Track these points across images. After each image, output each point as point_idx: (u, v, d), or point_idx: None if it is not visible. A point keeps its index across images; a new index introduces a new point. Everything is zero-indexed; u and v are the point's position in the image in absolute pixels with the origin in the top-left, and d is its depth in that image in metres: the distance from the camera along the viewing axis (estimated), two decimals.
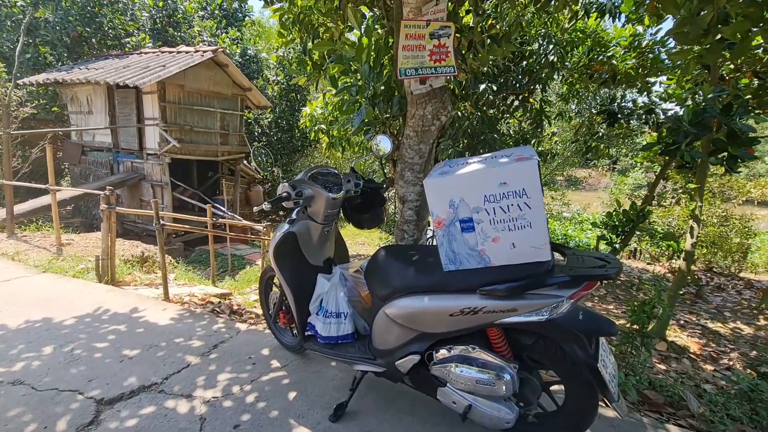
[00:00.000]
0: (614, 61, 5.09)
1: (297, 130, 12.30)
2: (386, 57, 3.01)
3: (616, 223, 6.26)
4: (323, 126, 7.59)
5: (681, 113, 3.14)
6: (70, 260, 4.16)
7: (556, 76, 7.74)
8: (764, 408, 2.08)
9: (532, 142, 7.94)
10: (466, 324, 1.50)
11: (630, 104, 5.82)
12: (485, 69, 4.60)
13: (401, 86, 2.80)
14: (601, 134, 6.90)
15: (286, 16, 4.67)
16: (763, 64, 3.70)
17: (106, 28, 9.10)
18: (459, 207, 1.42)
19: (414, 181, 2.94)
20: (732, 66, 4.00)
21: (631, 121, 5.95)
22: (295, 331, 2.43)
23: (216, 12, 12.03)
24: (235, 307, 3.92)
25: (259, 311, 4.34)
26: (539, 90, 7.39)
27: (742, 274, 8.01)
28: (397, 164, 3.00)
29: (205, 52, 7.42)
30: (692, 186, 6.69)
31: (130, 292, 3.48)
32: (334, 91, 7.48)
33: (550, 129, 8.85)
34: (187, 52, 7.63)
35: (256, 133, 11.57)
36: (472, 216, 1.41)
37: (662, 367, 3.38)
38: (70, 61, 8.68)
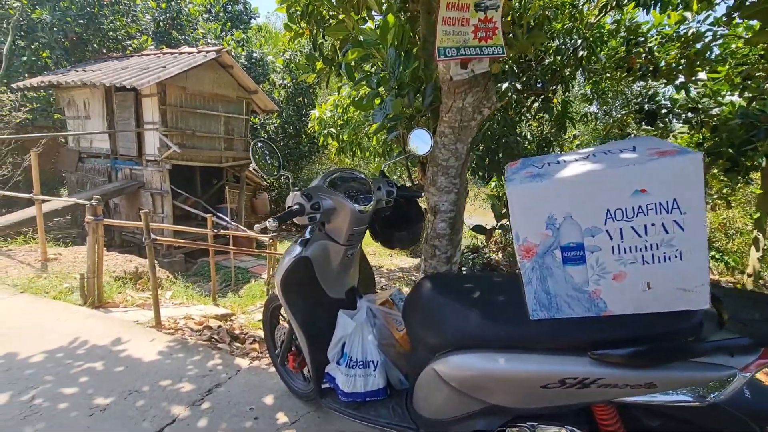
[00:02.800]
0: (656, 53, 4.60)
1: (305, 136, 11.90)
2: (410, 45, 2.56)
3: None
4: (333, 130, 7.16)
5: (745, 109, 2.65)
6: (54, 278, 3.73)
7: (579, 75, 7.25)
8: None
9: (554, 146, 7.45)
10: (566, 400, 1.01)
11: (668, 102, 5.32)
12: (506, 67, 4.16)
13: (431, 75, 2.33)
14: (632, 136, 6.38)
15: (293, 8, 4.27)
16: None
17: (106, 30, 8.79)
18: (563, 227, 0.94)
19: (449, 188, 2.45)
20: None
21: (671, 121, 5.45)
22: (307, 374, 1.96)
23: (221, 14, 11.74)
24: (237, 332, 3.46)
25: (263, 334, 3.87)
26: (561, 90, 6.92)
27: None
28: (428, 168, 2.52)
29: (208, 52, 7.05)
30: (725, 192, 6.10)
31: (114, 318, 3.03)
32: (344, 92, 7.06)
33: (571, 132, 8.35)
34: (189, 53, 7.27)
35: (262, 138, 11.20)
36: (584, 241, 0.93)
37: None
38: (68, 64, 8.37)
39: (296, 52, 11.73)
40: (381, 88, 2.46)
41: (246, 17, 12.10)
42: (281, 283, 1.45)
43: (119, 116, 7.09)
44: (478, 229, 2.71)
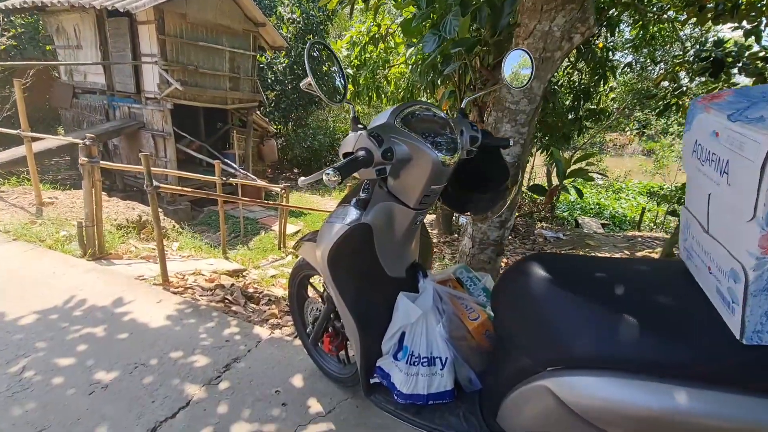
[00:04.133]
0: None
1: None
2: None
3: None
4: (349, 71, 6.49)
5: None
6: (50, 224, 3.40)
7: (626, 16, 6.41)
8: None
9: (594, 97, 6.74)
10: None
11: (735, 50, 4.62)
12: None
13: None
14: (685, 89, 5.71)
15: None
16: None
17: None
18: None
19: (514, 139, 1.99)
20: None
21: (738, 73, 4.78)
22: (344, 357, 1.65)
23: None
24: (251, 290, 3.18)
25: (279, 292, 3.60)
26: (604, 34, 6.15)
27: None
28: (489, 111, 2.05)
29: None
30: None
31: (117, 273, 2.72)
32: (363, 27, 6.26)
33: (610, 82, 7.56)
34: None
35: (269, 80, 10.35)
36: None
37: None
38: None
39: None
40: (436, 4, 1.92)
41: None
42: (330, 256, 1.07)
43: (114, 47, 6.39)
44: (537, 189, 2.29)
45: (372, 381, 1.29)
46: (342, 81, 0.95)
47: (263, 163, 9.11)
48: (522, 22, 1.70)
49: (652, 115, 13.28)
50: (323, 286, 1.37)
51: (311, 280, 1.73)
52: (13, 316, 2.02)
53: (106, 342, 1.90)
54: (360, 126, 0.92)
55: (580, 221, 10.31)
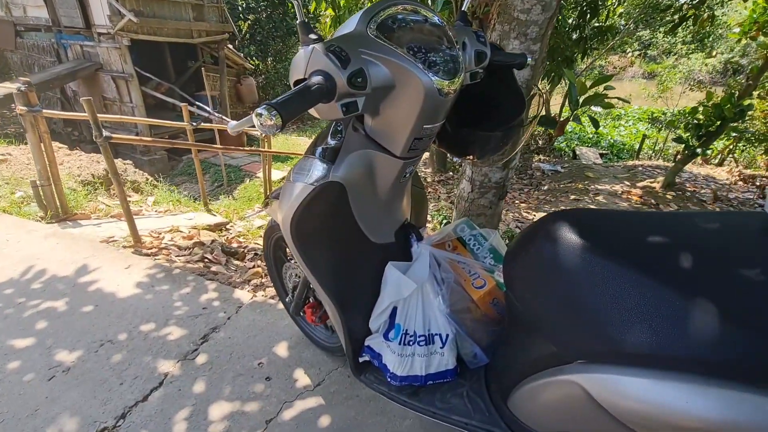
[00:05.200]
0: None
1: (291, 4, 9.91)
2: None
3: (700, 121, 4.97)
4: None
5: None
6: (4, 185, 3.07)
7: None
8: None
9: (602, 13, 6.09)
10: None
11: None
12: None
13: None
14: None
15: None
16: None
17: None
18: None
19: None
20: None
21: None
22: (331, 323, 1.47)
23: None
24: (235, 245, 2.98)
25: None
26: None
27: None
28: (492, 23, 1.67)
29: None
30: None
31: (81, 237, 2.47)
32: None
33: None
34: None
35: (239, 8, 9.23)
36: None
37: None
38: None
39: None
40: None
41: None
42: (293, 224, 0.82)
43: None
44: (546, 121, 1.99)
45: (361, 360, 1.11)
46: None
47: (242, 105, 8.44)
48: None
49: (659, 32, 12.32)
50: None
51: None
52: None
53: (67, 317, 1.71)
54: (313, 37, 0.61)
55: (577, 152, 10.01)
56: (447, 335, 1.00)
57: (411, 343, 1.00)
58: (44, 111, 2.70)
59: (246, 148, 4.79)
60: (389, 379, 1.03)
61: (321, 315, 1.31)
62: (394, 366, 1.01)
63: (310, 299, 1.31)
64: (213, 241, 2.86)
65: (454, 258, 1.05)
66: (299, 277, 1.40)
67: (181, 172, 5.90)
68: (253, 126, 0.54)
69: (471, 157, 1.03)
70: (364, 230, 0.89)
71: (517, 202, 4.93)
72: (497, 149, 0.98)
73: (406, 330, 0.99)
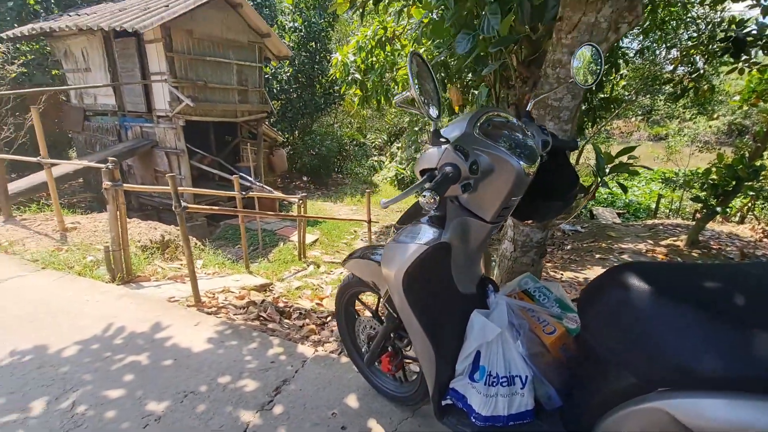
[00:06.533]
0: None
1: (319, 86, 11.03)
2: None
3: (715, 181, 5.15)
4: (357, 76, 6.45)
5: None
6: (76, 251, 3.39)
7: None
8: None
9: (606, 86, 6.63)
10: None
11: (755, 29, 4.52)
12: None
13: None
14: (701, 71, 5.59)
15: None
16: None
17: None
18: None
19: (559, 136, 1.92)
20: None
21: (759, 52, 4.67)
22: (400, 375, 1.59)
23: None
24: (281, 305, 3.14)
25: (307, 305, 3.56)
26: None
27: None
28: (529, 108, 1.99)
29: None
30: None
31: (149, 297, 2.69)
32: (368, 32, 6.20)
33: (621, 70, 7.41)
34: None
35: (274, 90, 10.36)
36: None
37: None
38: (59, 10, 7.53)
39: None
40: (467, 3, 1.85)
41: None
42: (407, 276, 1.01)
43: (122, 67, 6.42)
44: (580, 188, 2.21)
45: (444, 403, 1.23)
46: (437, 95, 0.89)
47: (273, 173, 9.10)
48: (564, 16, 1.64)
49: (660, 101, 13.07)
50: (385, 305, 1.31)
51: (361, 297, 1.68)
52: (56, 349, 1.99)
53: (151, 370, 1.86)
54: (443, 140, 0.87)
55: (595, 212, 10.17)
56: (526, 377, 1.13)
57: (494, 383, 1.13)
58: (124, 185, 3.09)
59: (284, 213, 5.14)
60: (473, 419, 1.14)
61: (397, 364, 1.44)
62: (479, 406, 1.13)
63: (389, 349, 1.46)
64: (263, 300, 3.05)
65: (524, 306, 1.21)
66: (374, 329, 1.56)
67: (218, 237, 6.26)
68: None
69: (531, 221, 1.25)
70: (456, 282, 1.08)
71: (542, 261, 5.03)
72: (554, 215, 1.20)
73: (490, 371, 1.13)
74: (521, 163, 0.90)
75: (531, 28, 1.73)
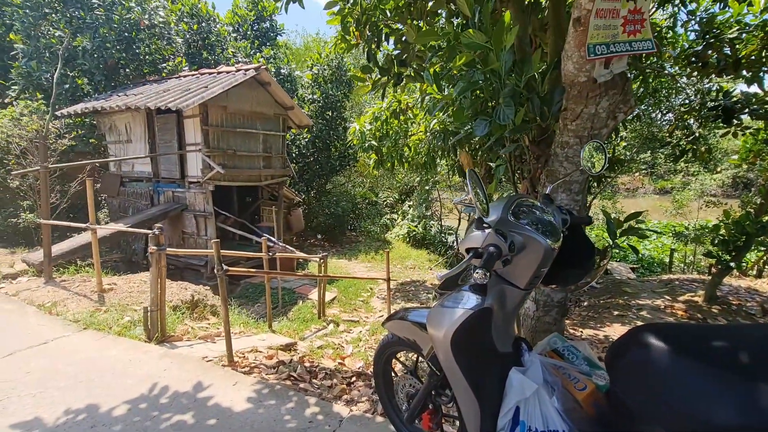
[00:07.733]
0: (737, 45, 4.22)
1: (334, 149, 11.77)
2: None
3: (724, 237, 5.24)
4: (373, 142, 6.97)
5: None
6: (114, 311, 3.57)
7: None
8: None
9: (608, 149, 7.02)
10: None
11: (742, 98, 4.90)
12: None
13: (555, 79, 2.06)
14: (696, 135, 5.95)
15: (347, 19, 4.12)
16: None
17: (142, 54, 8.88)
18: None
19: (569, 206, 2.16)
20: None
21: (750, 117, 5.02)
22: None
23: (249, 33, 11.81)
24: (307, 364, 3.21)
25: (330, 364, 3.60)
26: None
27: None
28: (545, 183, 2.24)
29: (247, 70, 6.98)
30: None
31: (187, 357, 2.82)
32: (384, 104, 6.80)
33: (620, 133, 7.91)
34: (228, 72, 7.22)
35: (293, 154, 11.10)
36: None
37: None
38: (107, 89, 8.47)
39: (324, 66, 11.71)
40: (485, 94, 2.19)
41: (273, 34, 12.15)
42: (454, 338, 1.18)
43: (161, 139, 7.08)
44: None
45: None
46: (485, 196, 1.12)
47: (290, 232, 9.44)
48: (569, 107, 1.94)
49: (661, 158, 13.54)
50: (428, 363, 1.45)
51: (403, 358, 1.81)
52: (106, 408, 2.11)
53: (197, 429, 1.95)
54: (485, 225, 1.09)
55: (609, 268, 10.13)
56: (563, 431, 1.24)
57: None
58: (168, 249, 3.34)
59: (305, 273, 5.33)
60: None
61: (438, 421, 1.54)
62: None
63: (429, 406, 1.57)
64: (291, 360, 3.14)
65: (556, 364, 1.35)
66: (413, 387, 1.67)
67: (239, 295, 6.40)
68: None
69: (555, 285, 1.43)
70: (495, 343, 1.24)
71: (564, 320, 5.02)
72: (576, 281, 1.38)
73: (530, 426, 1.24)
74: (548, 240, 1.11)
75: (539, 115, 2.03)
